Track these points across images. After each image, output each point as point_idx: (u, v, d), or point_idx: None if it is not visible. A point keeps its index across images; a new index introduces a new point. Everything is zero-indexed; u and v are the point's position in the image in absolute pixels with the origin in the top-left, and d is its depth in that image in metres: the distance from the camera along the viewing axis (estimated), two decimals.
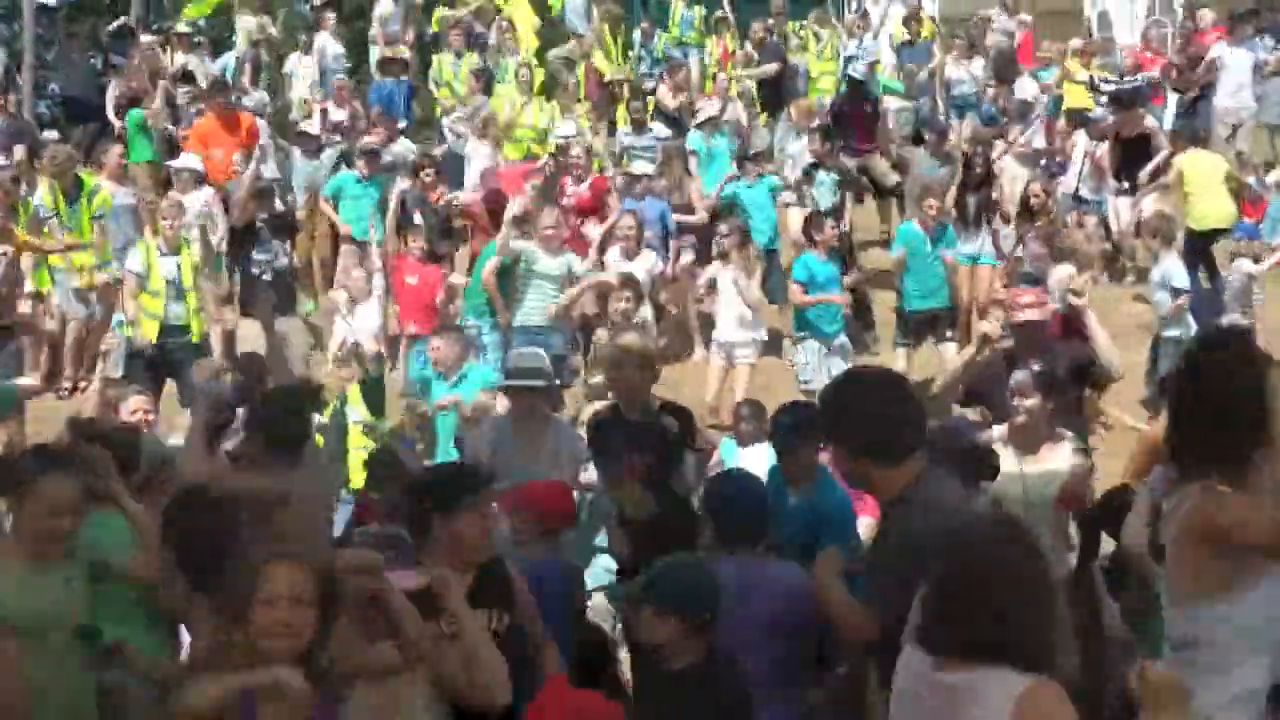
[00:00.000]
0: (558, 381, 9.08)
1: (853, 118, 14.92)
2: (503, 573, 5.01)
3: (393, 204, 14.03)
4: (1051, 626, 3.43)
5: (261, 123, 15.64)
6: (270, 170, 14.65)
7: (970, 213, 13.13)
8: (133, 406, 8.41)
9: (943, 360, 11.58)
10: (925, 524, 4.09)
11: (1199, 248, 13.20)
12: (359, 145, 15.09)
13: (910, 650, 3.62)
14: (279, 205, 13.56)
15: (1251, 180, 15.22)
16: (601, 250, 12.87)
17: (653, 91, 17.67)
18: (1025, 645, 3.37)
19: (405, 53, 18.33)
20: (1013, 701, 3.32)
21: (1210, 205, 13.39)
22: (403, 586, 4.29)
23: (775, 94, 18.28)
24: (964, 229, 12.98)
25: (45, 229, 12.40)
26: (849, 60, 17.09)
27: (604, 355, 8.20)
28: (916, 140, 16.68)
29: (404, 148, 15.82)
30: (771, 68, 18.41)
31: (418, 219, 13.68)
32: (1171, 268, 11.62)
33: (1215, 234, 13.54)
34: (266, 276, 12.12)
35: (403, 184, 14.17)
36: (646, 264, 12.40)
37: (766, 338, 12.56)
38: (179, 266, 11.66)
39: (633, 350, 7.15)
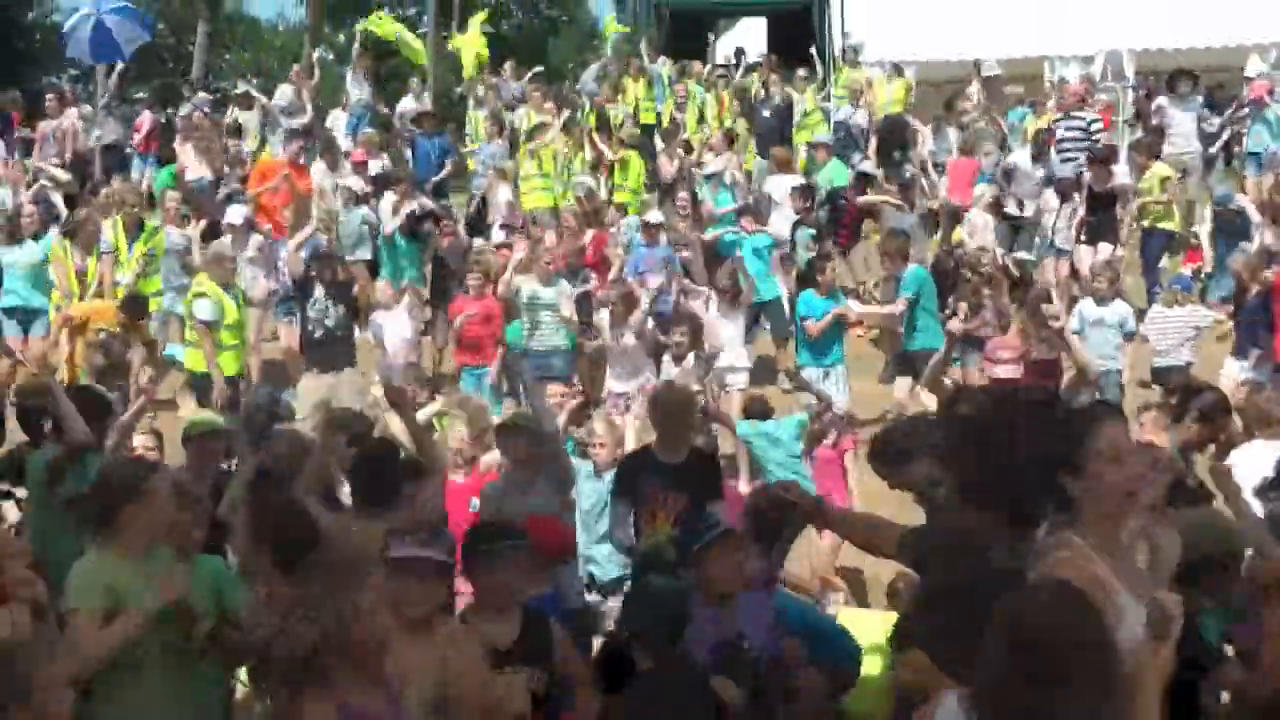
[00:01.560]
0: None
1: (848, 210, 14.91)
2: (545, 630, 5.01)
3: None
4: (1110, 691, 3.22)
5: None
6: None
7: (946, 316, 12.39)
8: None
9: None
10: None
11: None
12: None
13: (963, 715, 3.32)
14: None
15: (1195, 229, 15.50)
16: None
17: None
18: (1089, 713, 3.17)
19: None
20: None
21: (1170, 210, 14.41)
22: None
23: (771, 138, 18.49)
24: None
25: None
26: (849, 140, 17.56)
27: (651, 397, 7.81)
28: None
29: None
30: None
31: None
32: (1123, 310, 11.48)
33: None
34: (318, 334, 11.70)
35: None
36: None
37: (752, 365, 12.55)
38: (237, 300, 11.55)
39: (680, 396, 7.07)
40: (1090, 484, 3.70)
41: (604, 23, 22.69)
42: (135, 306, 11.62)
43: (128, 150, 18.35)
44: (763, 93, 19.82)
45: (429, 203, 14.80)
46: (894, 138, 18.12)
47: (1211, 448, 7.56)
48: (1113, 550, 3.73)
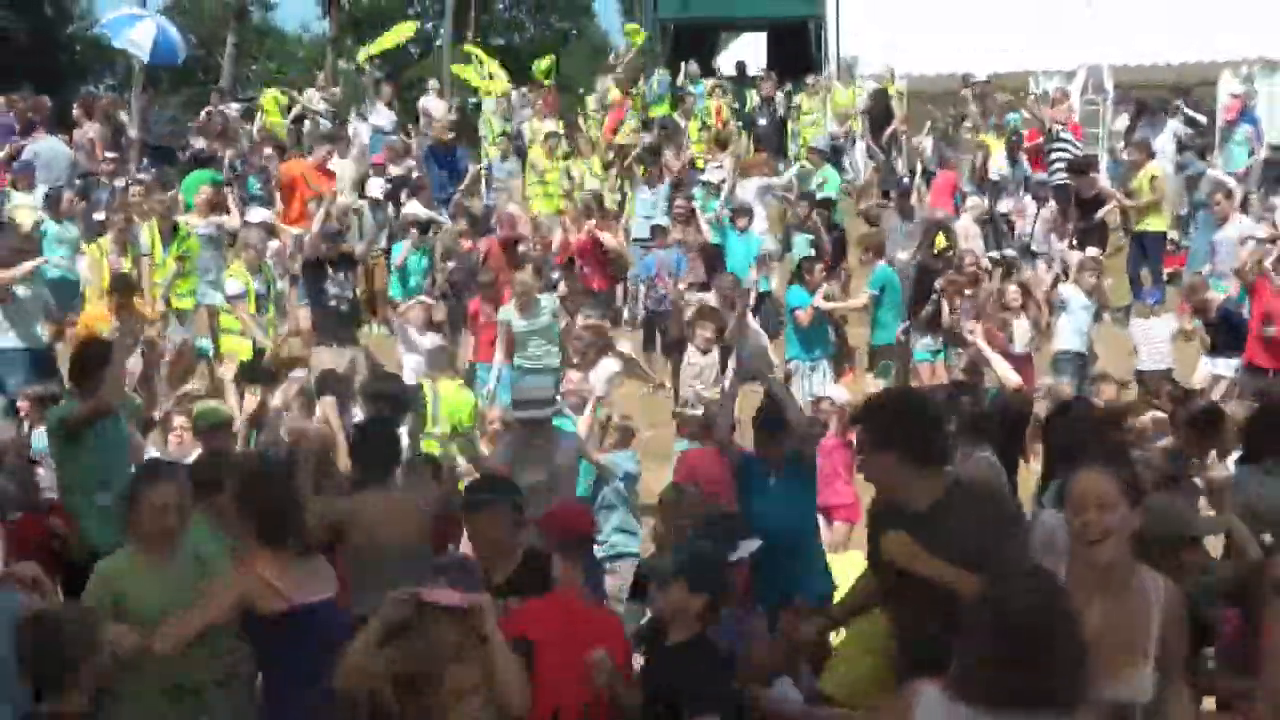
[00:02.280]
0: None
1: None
2: (542, 565, 5.09)
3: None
4: (1084, 669, 3.27)
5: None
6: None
7: (930, 313, 12.52)
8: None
9: None
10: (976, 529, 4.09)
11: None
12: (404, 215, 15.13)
13: (947, 702, 3.31)
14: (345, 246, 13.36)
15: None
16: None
17: (657, 152, 17.78)
18: (1068, 691, 3.23)
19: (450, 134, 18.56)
20: None
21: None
22: (445, 601, 4.19)
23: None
24: (925, 330, 12.45)
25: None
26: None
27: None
28: (886, 196, 16.82)
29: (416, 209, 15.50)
30: None
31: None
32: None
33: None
34: (343, 308, 11.74)
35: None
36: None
37: None
38: (265, 284, 11.91)
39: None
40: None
41: (625, 31, 22.69)
42: (124, 286, 11.74)
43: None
44: (760, 105, 19.94)
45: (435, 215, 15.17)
46: (877, 107, 18.30)
47: (1213, 454, 7.56)
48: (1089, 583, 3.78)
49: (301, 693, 4.62)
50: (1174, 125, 17.31)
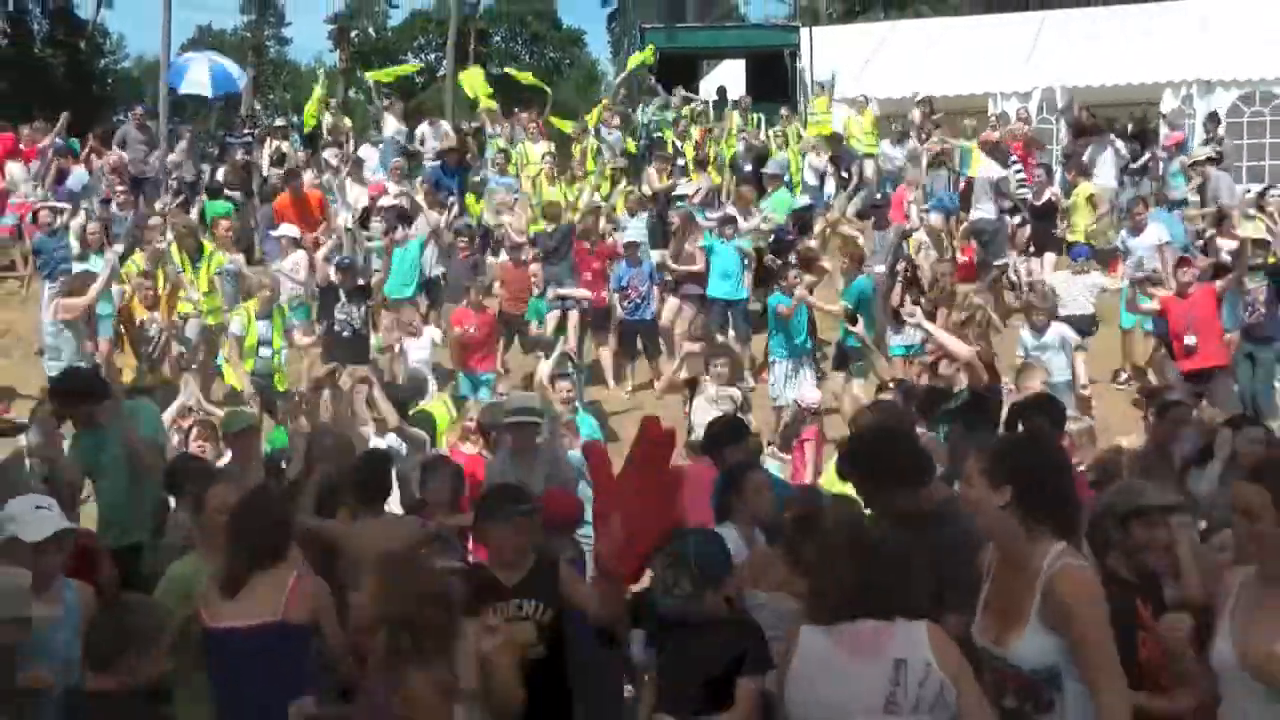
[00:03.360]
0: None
1: (791, 245, 14.73)
2: (550, 569, 5.04)
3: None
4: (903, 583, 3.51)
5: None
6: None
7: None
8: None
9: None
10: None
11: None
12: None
13: (809, 632, 3.52)
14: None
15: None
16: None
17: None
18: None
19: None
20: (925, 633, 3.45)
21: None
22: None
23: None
24: (899, 325, 12.32)
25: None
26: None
27: None
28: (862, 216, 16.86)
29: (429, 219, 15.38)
30: None
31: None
32: (1060, 330, 11.67)
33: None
34: (346, 333, 12.16)
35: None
36: None
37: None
38: (270, 329, 11.89)
39: None
40: None
41: (632, 58, 22.95)
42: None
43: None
44: (741, 133, 20.01)
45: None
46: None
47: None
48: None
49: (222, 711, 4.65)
50: (1116, 146, 17.56)
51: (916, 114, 19.10)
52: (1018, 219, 15.58)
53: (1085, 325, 12.58)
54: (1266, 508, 3.49)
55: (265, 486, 5.93)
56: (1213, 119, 18.89)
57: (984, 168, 15.18)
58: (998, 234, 14.87)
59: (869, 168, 18.48)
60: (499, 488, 5.75)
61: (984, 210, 14.88)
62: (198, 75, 18.03)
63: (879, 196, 17.26)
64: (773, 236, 15.08)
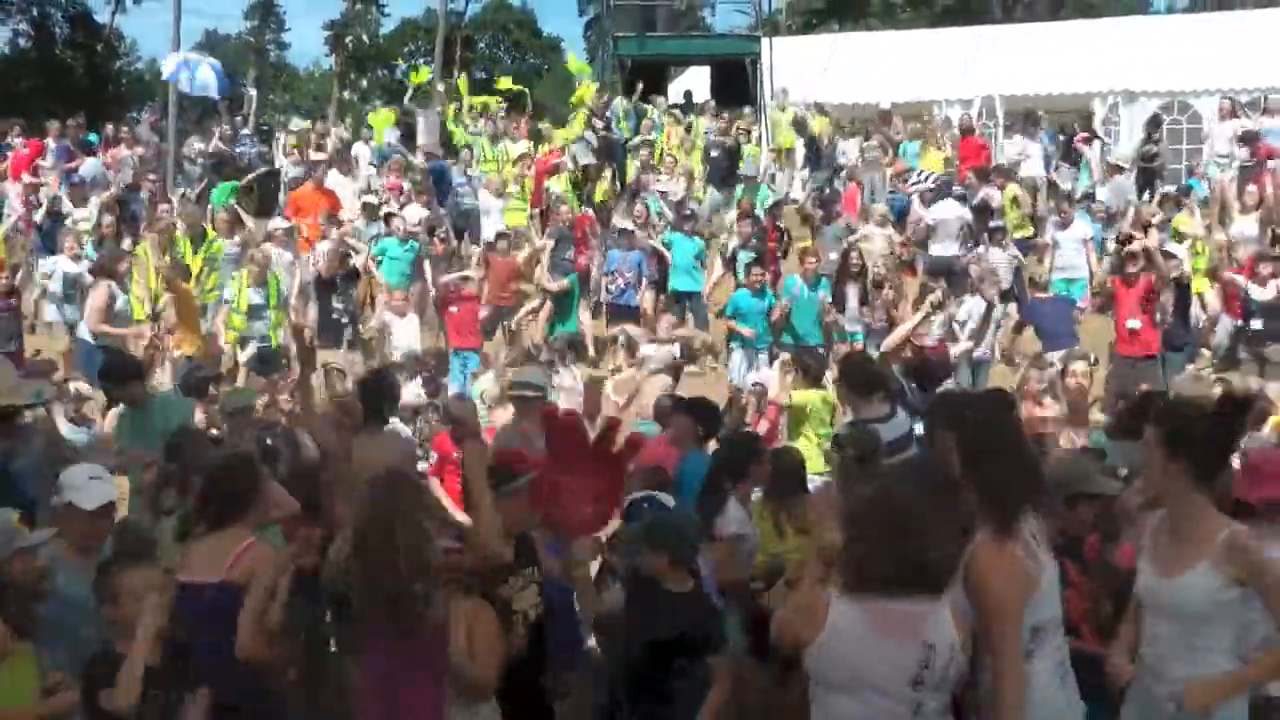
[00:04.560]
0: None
1: (767, 234, 14.77)
2: (530, 540, 4.92)
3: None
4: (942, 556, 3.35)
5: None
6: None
7: (854, 298, 12.76)
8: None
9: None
10: None
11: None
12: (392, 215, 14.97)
13: (840, 603, 3.38)
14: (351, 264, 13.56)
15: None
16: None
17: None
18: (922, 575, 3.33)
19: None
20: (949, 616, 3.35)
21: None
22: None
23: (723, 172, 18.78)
24: (843, 312, 12.67)
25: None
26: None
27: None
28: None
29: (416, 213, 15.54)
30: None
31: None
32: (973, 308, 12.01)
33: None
34: (344, 320, 12.37)
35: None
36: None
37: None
38: (265, 296, 12.08)
39: None
40: None
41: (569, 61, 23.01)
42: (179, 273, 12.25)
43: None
44: (713, 133, 20.12)
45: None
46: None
47: None
48: None
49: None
50: (1043, 143, 17.93)
51: (876, 122, 19.38)
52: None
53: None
54: (1156, 444, 3.77)
55: (245, 455, 5.76)
56: (1154, 123, 19.11)
57: (946, 208, 14.92)
58: (960, 274, 14.25)
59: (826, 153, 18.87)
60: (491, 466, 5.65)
61: (946, 249, 14.52)
62: (206, 77, 18.02)
63: (826, 191, 17.42)
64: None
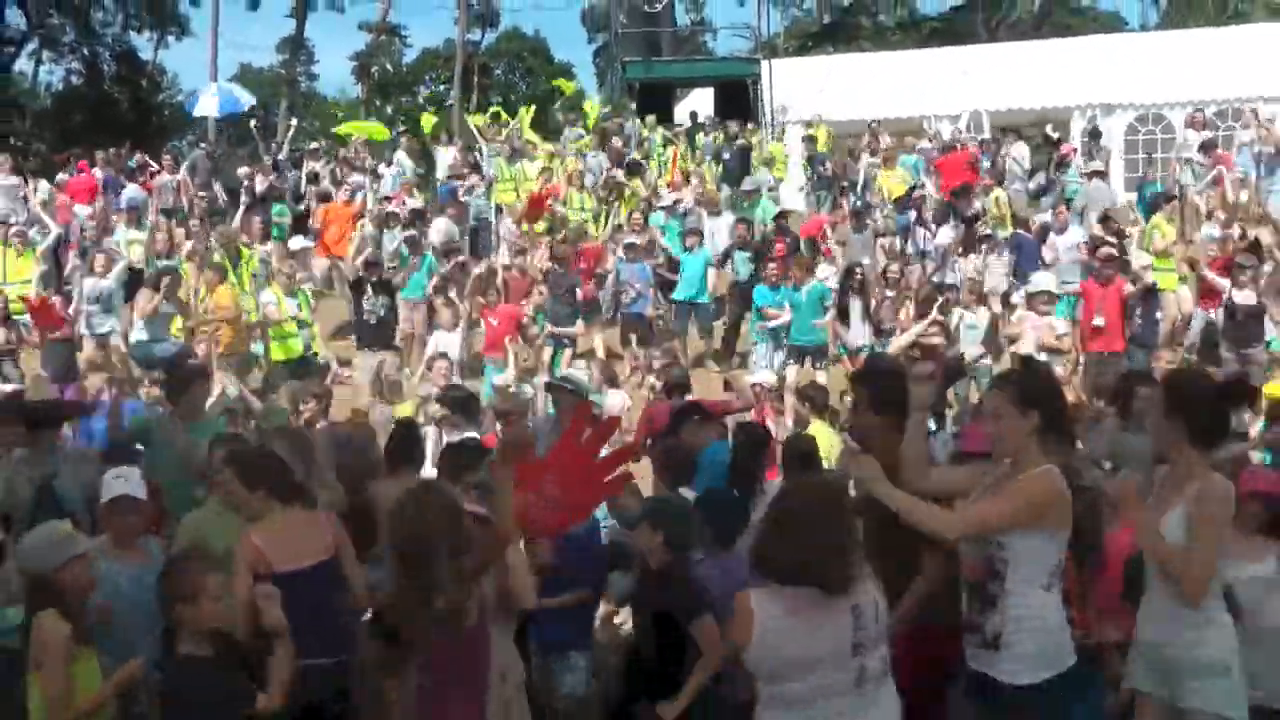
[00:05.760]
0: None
1: (776, 243, 14.07)
2: None
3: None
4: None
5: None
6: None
7: (857, 313, 12.07)
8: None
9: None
10: None
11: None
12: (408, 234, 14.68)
13: (760, 595, 3.37)
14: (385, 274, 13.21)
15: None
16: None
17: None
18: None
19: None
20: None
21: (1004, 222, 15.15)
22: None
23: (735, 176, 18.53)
24: (846, 326, 12.03)
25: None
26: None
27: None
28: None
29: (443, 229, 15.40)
30: None
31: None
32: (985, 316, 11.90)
33: None
34: (373, 321, 12.13)
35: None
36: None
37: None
38: (298, 307, 12.02)
39: None
40: None
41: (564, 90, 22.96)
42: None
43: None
44: (724, 143, 20.01)
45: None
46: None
47: None
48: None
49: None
50: (1023, 150, 17.84)
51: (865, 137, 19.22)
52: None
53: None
54: (1157, 402, 3.98)
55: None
56: (1093, 135, 18.91)
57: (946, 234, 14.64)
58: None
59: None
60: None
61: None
62: (240, 95, 18.40)
63: (856, 202, 17.16)
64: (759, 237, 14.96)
